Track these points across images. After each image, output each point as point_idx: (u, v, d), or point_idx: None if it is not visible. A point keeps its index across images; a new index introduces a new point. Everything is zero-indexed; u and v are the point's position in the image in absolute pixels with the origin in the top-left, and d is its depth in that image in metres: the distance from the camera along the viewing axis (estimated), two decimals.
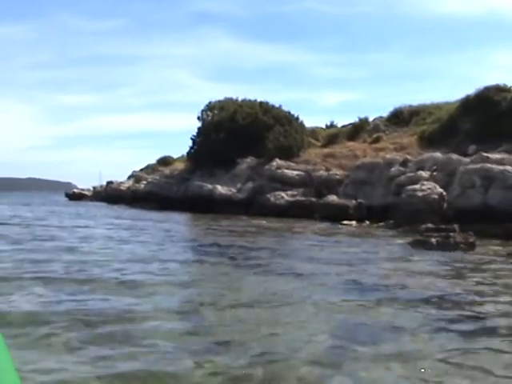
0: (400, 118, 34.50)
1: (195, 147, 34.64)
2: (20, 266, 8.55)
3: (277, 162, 28.50)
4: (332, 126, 39.15)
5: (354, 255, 10.64)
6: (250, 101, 34.36)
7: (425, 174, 21.34)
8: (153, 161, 52.64)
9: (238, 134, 31.34)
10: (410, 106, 35.30)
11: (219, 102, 35.54)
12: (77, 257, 9.92)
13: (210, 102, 35.67)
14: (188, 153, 36.14)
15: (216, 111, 34.80)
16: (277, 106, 34.14)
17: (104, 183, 56.89)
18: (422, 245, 11.44)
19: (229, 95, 35.81)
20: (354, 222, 20.26)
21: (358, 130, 33.73)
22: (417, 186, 18.93)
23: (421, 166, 22.58)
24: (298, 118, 33.64)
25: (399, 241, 13.37)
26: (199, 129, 34.93)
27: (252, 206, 27.16)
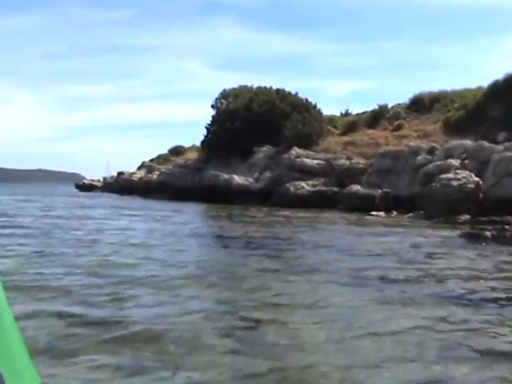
0: (420, 105, 33.49)
1: (209, 136, 33.71)
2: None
3: (296, 150, 27.58)
4: (347, 114, 38.16)
5: (405, 250, 9.75)
6: (265, 88, 33.37)
7: (455, 162, 20.38)
8: (163, 151, 51.82)
9: (254, 122, 30.39)
10: (431, 92, 34.28)
11: (234, 89, 34.59)
12: (144, 252, 9.08)
13: (224, 90, 34.76)
14: (202, 142, 35.25)
15: (230, 99, 33.86)
16: (293, 93, 33.15)
17: (111, 174, 56.34)
18: (474, 238, 10.56)
19: (241, 84, 34.87)
20: (382, 213, 19.34)
21: (377, 117, 32.74)
22: (450, 175, 17.98)
23: (449, 154, 21.60)
24: (315, 106, 32.64)
25: (443, 233, 12.46)
26: (213, 117, 34.02)
27: (270, 197, 26.30)
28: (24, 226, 13.87)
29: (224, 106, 33.46)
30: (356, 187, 22.75)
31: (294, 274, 7.39)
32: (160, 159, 50.01)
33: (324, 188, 23.96)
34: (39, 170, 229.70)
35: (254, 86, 33.92)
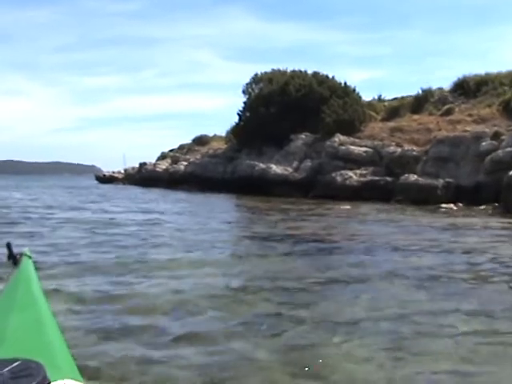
0: (466, 89, 31.19)
1: (241, 123, 31.63)
2: None
3: (339, 137, 25.42)
4: (380, 99, 35.89)
5: None
6: (300, 72, 31.21)
7: None
8: (180, 141, 50.08)
9: (291, 107, 28.28)
10: (476, 75, 32.00)
11: (266, 73, 32.45)
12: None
13: (255, 75, 32.61)
14: (233, 130, 33.16)
15: (262, 84, 31.74)
16: (330, 76, 30.95)
17: (127, 166, 54.97)
18: None
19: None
20: (451, 205, 17.18)
21: (421, 102, 30.48)
22: None
23: None
24: (354, 90, 30.41)
25: None
26: (245, 103, 31.92)
27: (312, 187, 24.22)
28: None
29: (257, 91, 31.34)
30: (413, 177, 20.61)
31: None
32: (183, 149, 48.16)
33: (376, 178, 21.79)
34: (56, 163, 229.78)
35: (289, 70, 31.79)
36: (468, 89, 31.15)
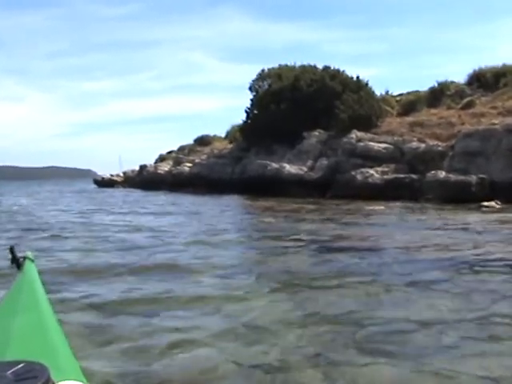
0: (483, 82, 29.87)
1: (249, 121, 30.14)
2: None
3: (356, 133, 23.97)
4: (387, 95, 34.51)
5: None
6: (310, 66, 29.77)
7: None
8: (177, 143, 49.00)
9: (302, 103, 26.82)
10: (493, 67, 30.70)
11: (273, 69, 31.01)
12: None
13: (262, 70, 31.14)
14: (240, 128, 31.66)
15: (270, 80, 30.28)
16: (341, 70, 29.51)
17: (123, 169, 54.07)
18: None
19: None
20: (493, 203, 15.74)
21: (437, 95, 29.11)
22: None
23: None
24: (367, 84, 28.97)
25: None
26: (252, 100, 30.43)
27: (329, 187, 22.75)
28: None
29: (265, 87, 29.87)
30: (442, 173, 19.17)
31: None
32: (183, 150, 46.70)
33: (401, 175, 20.32)
34: (51, 167, 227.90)
35: (297, 64, 30.36)
36: (485, 81, 29.88)
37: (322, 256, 7.75)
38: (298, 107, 26.90)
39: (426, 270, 6.34)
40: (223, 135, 42.72)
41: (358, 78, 28.81)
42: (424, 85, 31.63)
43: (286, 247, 8.60)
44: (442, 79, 30.68)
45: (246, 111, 30.35)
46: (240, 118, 34.99)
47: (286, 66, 31.07)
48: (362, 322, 4.37)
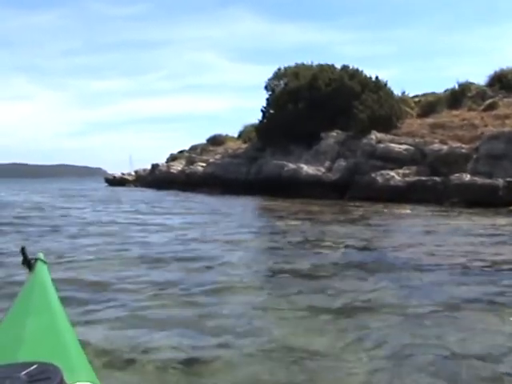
0: (504, 83, 29.26)
1: (265, 121, 29.67)
2: None
3: (375, 134, 23.44)
4: (404, 95, 33.95)
5: None
6: (328, 65, 29.26)
7: None
8: (188, 143, 48.68)
9: (320, 103, 26.33)
10: None
11: (290, 68, 30.54)
12: None
13: (279, 69, 30.69)
14: (256, 128, 31.20)
15: (287, 78, 29.81)
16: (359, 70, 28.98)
17: (134, 168, 53.83)
18: None
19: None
20: None
21: (457, 96, 28.50)
22: None
23: None
24: (386, 84, 28.43)
25: None
26: (268, 100, 29.98)
27: (347, 188, 22.25)
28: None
29: (282, 86, 29.40)
30: (467, 176, 18.62)
31: None
32: (196, 149, 46.32)
33: (423, 178, 19.79)
34: (60, 165, 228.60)
35: (315, 64, 29.86)
36: (507, 82, 29.28)
37: (372, 273, 6.84)
38: (316, 107, 26.41)
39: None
40: (235, 135, 42.37)
41: (377, 78, 28.30)
42: (434, 87, 31.28)
43: (326, 254, 8.10)
44: (462, 80, 30.11)
45: (261, 110, 29.92)
46: (250, 117, 34.64)
47: (303, 64, 30.60)
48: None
